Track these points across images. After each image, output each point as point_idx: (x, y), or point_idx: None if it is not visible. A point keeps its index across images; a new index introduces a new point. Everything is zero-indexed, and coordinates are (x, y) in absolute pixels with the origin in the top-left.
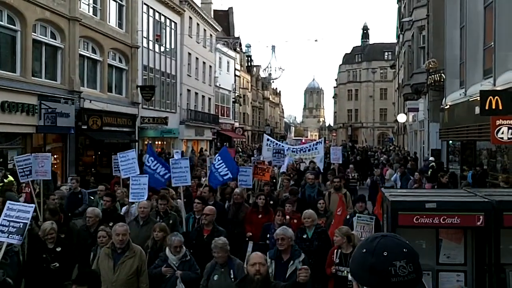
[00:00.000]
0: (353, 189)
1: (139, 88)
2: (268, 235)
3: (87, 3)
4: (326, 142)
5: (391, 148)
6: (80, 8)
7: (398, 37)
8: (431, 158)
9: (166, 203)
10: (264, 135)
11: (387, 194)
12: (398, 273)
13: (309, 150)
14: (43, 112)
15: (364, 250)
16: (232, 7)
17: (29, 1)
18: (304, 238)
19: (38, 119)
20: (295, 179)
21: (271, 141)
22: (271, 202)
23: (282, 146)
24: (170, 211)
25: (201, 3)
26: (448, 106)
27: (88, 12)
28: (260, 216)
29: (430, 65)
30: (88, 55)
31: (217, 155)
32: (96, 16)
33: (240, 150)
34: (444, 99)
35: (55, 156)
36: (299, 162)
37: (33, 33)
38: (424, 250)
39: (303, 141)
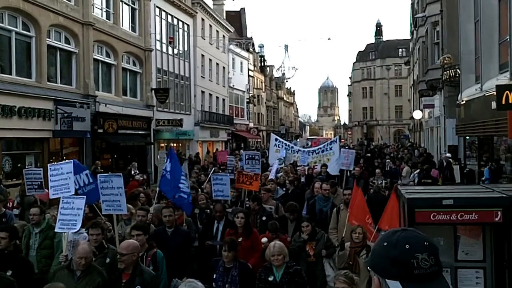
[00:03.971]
0: (381, 201)
1: (153, 91)
2: (214, 276)
3: (100, 8)
4: (342, 140)
5: (408, 145)
6: (93, 12)
7: (412, 33)
8: (448, 155)
9: (100, 234)
10: (272, 134)
11: (403, 191)
12: (420, 265)
13: (323, 151)
14: (59, 116)
15: (386, 243)
16: (244, 8)
17: (43, 7)
18: (270, 282)
19: (54, 124)
20: (298, 189)
21: (279, 142)
22: (263, 219)
23: (293, 146)
24: (107, 244)
25: (213, 5)
26: (464, 102)
27: (101, 16)
28: (240, 239)
29: (445, 61)
30: (102, 59)
31: (167, 162)
32: (109, 20)
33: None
34: (459, 94)
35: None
36: (312, 166)
37: (47, 39)
38: (442, 247)
39: (315, 141)
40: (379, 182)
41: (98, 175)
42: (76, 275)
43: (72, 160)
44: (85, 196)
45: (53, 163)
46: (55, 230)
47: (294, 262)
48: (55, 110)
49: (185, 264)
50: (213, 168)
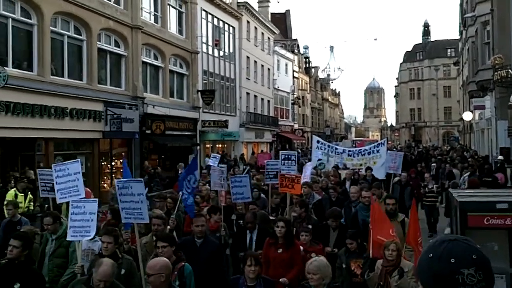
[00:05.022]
0: (432, 207)
1: (199, 93)
2: None
3: (148, 12)
4: (389, 142)
5: (458, 147)
6: (142, 16)
7: (460, 33)
8: (500, 157)
9: (113, 242)
10: (313, 136)
11: (455, 194)
12: (466, 281)
13: (369, 153)
14: (109, 118)
15: (431, 255)
16: (289, 10)
17: (94, 12)
18: None
19: (104, 125)
20: (342, 194)
21: (321, 144)
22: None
23: (336, 147)
24: (121, 254)
25: (258, 7)
26: None
27: (150, 20)
28: (280, 250)
29: (496, 61)
30: (150, 61)
31: (186, 171)
32: (157, 23)
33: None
34: None
35: (121, 161)
36: (357, 170)
37: (98, 42)
38: (497, 252)
39: (360, 143)
40: (430, 187)
41: (116, 180)
42: None
43: (78, 160)
44: (97, 199)
45: (57, 163)
46: (67, 239)
47: (337, 283)
48: (105, 112)
49: (216, 278)
50: (246, 170)
